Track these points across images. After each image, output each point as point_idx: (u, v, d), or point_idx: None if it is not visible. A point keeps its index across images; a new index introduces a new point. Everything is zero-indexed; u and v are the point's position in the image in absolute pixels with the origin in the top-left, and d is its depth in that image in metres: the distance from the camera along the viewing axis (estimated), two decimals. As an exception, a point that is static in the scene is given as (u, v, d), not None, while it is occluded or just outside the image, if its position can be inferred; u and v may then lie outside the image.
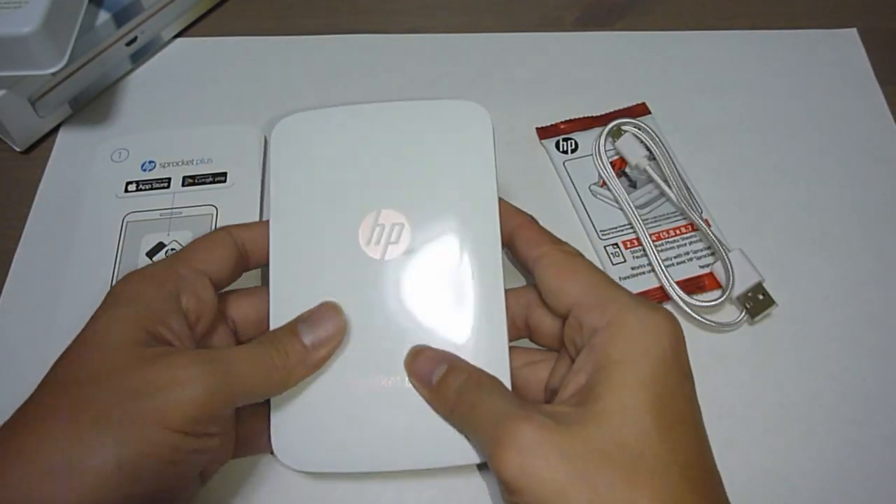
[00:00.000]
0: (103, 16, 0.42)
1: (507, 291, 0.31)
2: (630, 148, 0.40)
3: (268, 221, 0.32)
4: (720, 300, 0.36)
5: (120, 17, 0.42)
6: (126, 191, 0.40)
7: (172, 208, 0.39)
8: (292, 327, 0.30)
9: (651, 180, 0.39)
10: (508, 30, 0.47)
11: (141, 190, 0.40)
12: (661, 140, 0.40)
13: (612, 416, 0.25)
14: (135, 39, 0.44)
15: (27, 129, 0.42)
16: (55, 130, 0.43)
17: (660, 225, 0.38)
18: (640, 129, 0.40)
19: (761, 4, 0.48)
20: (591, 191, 0.40)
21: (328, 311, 0.30)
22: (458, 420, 0.29)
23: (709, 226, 0.37)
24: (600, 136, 0.41)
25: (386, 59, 0.46)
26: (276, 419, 0.30)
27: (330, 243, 0.31)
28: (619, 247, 0.38)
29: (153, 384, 0.26)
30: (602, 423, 0.25)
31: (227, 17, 0.48)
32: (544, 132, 0.42)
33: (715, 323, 0.36)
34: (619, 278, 0.37)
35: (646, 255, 0.37)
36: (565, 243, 0.31)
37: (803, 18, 0.47)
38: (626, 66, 0.45)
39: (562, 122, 0.42)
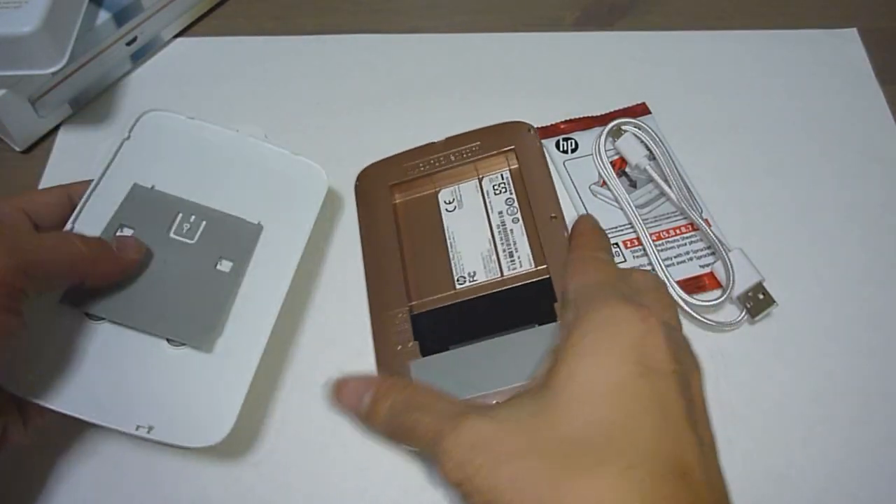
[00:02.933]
0: (103, 16, 0.42)
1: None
2: (630, 148, 0.40)
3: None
4: (720, 300, 0.36)
5: (120, 17, 0.42)
6: (126, 191, 0.40)
7: (172, 208, 0.39)
8: None
9: (651, 180, 0.39)
10: (508, 30, 0.47)
11: (141, 190, 0.40)
12: (661, 140, 0.40)
13: (558, 409, 0.25)
14: (135, 39, 0.44)
15: (27, 128, 0.42)
16: (55, 130, 0.43)
17: (660, 225, 0.38)
18: (640, 129, 0.40)
19: (761, 4, 0.48)
20: (591, 191, 0.40)
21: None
22: (400, 440, 0.29)
23: (709, 225, 0.38)
24: (600, 135, 0.41)
25: (386, 59, 0.46)
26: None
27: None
28: (619, 246, 0.38)
29: None
30: (546, 416, 0.25)
31: (227, 17, 0.48)
32: (544, 132, 0.42)
33: (715, 322, 0.36)
34: (619, 278, 0.37)
35: (646, 254, 0.37)
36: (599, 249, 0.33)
37: (803, 18, 0.47)
38: (626, 66, 0.45)
39: (562, 122, 0.42)
